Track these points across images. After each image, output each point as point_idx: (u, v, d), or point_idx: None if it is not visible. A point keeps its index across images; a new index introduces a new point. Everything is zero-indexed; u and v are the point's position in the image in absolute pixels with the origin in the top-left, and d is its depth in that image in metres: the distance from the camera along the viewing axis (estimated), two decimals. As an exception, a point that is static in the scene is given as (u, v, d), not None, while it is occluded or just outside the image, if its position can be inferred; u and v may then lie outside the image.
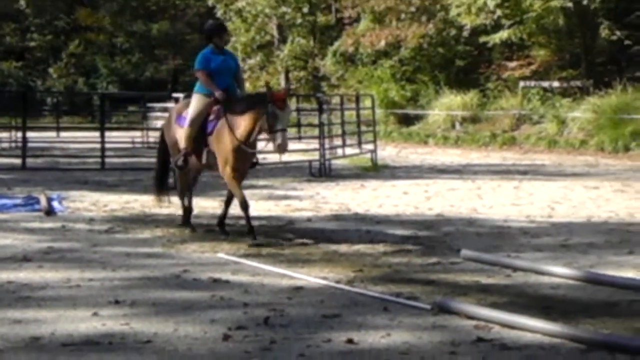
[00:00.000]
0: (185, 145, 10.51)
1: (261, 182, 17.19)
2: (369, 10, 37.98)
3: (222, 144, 10.19)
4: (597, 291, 7.72)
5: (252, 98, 10.96)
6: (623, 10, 30.20)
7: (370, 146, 21.76)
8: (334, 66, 40.10)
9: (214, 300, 7.31)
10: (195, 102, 10.53)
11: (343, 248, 9.91)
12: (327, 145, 19.80)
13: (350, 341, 6.11)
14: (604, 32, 29.92)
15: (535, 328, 6.36)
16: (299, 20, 44.69)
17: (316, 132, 20.17)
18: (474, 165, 22.97)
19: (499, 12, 30.01)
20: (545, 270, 8.47)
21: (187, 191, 11.34)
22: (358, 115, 23.31)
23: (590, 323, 6.61)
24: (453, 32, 34.09)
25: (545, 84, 31.27)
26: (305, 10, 44.42)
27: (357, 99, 24.60)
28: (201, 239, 10.47)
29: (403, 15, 35.68)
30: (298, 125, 24.39)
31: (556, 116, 28.18)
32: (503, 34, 30.69)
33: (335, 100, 26.15)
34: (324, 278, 8.20)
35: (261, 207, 13.45)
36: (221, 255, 9.36)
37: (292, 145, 21.96)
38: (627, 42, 29.39)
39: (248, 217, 10.23)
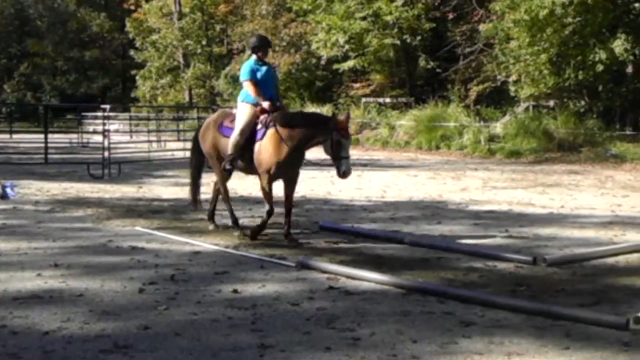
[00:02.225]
0: (232, 151, 8.54)
1: (170, 173, 16.92)
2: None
3: (270, 151, 8.27)
4: (415, 251, 7.92)
5: (311, 118, 8.86)
6: (435, 46, 30.92)
7: (252, 145, 21.63)
8: (226, 85, 39.71)
9: (132, 263, 7.18)
10: (244, 112, 8.55)
11: (230, 222, 9.86)
12: (220, 145, 19.57)
13: (235, 291, 6.12)
14: (422, 62, 30.54)
15: (370, 278, 6.50)
16: (199, 50, 44.46)
17: (212, 135, 19.90)
18: (328, 159, 23.04)
19: (347, 47, 30.27)
20: (378, 236, 8.65)
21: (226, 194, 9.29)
22: (243, 122, 23.17)
23: (410, 274, 6.79)
24: (314, 61, 34.22)
25: (381, 100, 31.77)
26: (204, 42, 44.22)
27: (243, 110, 24.43)
28: (123, 216, 10.22)
29: (277, 48, 35.59)
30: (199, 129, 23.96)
31: (388, 123, 28.63)
32: (350, 63, 30.98)
33: (226, 111, 25.82)
34: (217, 244, 8.16)
35: (170, 191, 13.28)
36: (138, 228, 9.17)
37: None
38: (438, 70, 30.11)
39: (265, 222, 8.53)
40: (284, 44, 35.36)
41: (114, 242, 8.24)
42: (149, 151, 20.92)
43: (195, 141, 9.59)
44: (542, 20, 21.24)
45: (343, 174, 8.08)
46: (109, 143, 16.51)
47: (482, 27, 26.91)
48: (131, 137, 28.52)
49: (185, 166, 18.30)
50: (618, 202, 12.04)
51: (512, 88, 24.74)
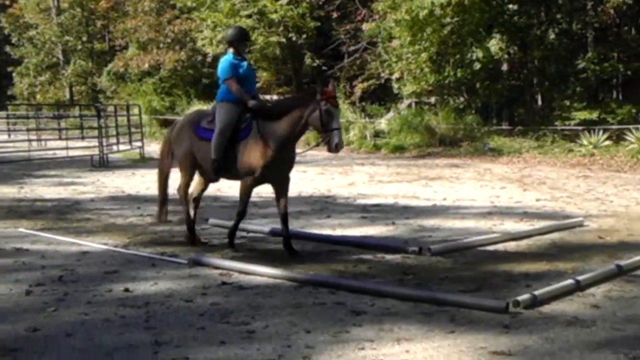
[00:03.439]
0: (215, 155, 7.58)
1: (52, 172, 16.38)
2: (135, 40, 36.96)
3: (252, 152, 7.44)
4: (306, 244, 8.03)
5: (292, 100, 8.18)
6: (321, 44, 31.27)
7: (138, 143, 21.29)
8: (109, 82, 38.72)
9: (17, 265, 6.95)
10: (225, 111, 7.63)
11: (119, 221, 9.70)
12: (105, 143, 19.17)
13: (126, 290, 6.04)
14: (307, 60, 30.84)
15: (263, 273, 6.56)
16: (79, 47, 43.09)
17: (96, 133, 19.46)
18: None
19: (233, 44, 30.14)
20: (269, 231, 8.71)
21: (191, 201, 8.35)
22: (128, 120, 22.77)
23: (302, 267, 6.89)
24: (200, 57, 33.88)
25: (268, 97, 31.83)
26: (85, 38, 42.92)
27: (128, 108, 23.98)
28: (4, 217, 9.84)
29: (161, 45, 35.03)
30: (81, 127, 23.32)
31: (276, 120, 28.67)
32: (236, 60, 30.85)
33: (111, 108, 25.30)
34: (105, 244, 8.00)
35: (53, 191, 12.88)
36: (22, 229, 8.86)
37: (76, 143, 21.19)
38: (323, 67, 30.48)
39: (235, 226, 7.85)
40: (169, 40, 34.84)
41: (-4, 244, 7.94)
42: (29, 150, 20.15)
43: (167, 144, 8.44)
44: (422, 20, 21.88)
45: (336, 147, 7.19)
46: (-14, 143, 15.83)
47: (365, 26, 27.43)
48: (9, 136, 27.36)
49: (67, 165, 17.88)
50: (496, 193, 12.61)
51: (395, 85, 25.38)
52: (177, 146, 8.13)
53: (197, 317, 5.33)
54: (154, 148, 25.03)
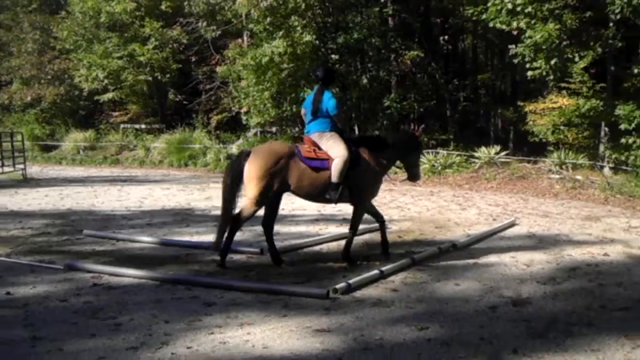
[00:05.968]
0: (338, 179, 6.86)
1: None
2: (19, 76, 34.47)
3: (374, 178, 7.13)
4: (168, 250, 7.86)
5: (403, 137, 7.58)
6: (182, 83, 30.65)
7: (21, 166, 19.85)
8: (-7, 114, 35.84)
9: None
10: (339, 140, 7.09)
11: (3, 233, 8.98)
12: (-11, 166, 17.73)
13: (8, 293, 5.66)
14: (171, 96, 30.13)
15: (129, 274, 6.37)
16: (-34, 81, 39.51)
17: (-19, 157, 17.95)
18: (92, 177, 21.72)
19: (106, 81, 28.87)
20: (136, 239, 8.45)
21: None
22: (12, 145, 21.18)
23: (164, 269, 6.75)
24: (77, 92, 32.15)
25: (137, 126, 30.80)
26: (-29, 74, 39.41)
27: (12, 135, 22.30)
28: None
29: (42, 80, 32.91)
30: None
31: (144, 145, 27.78)
32: (109, 95, 29.58)
33: (-5, 135, 23.37)
34: (-12, 254, 7.42)
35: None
36: None
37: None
38: (184, 102, 29.92)
39: (350, 243, 7.21)
40: (49, 77, 32.84)
41: None
42: None
43: (238, 176, 7.18)
44: (265, 65, 22.06)
45: (418, 178, 7.62)
46: None
47: (219, 68, 27.23)
48: None
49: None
50: (321, 205, 12.89)
51: (243, 117, 25.34)
52: (264, 180, 6.92)
53: (71, 314, 5.09)
54: (35, 170, 23.51)
